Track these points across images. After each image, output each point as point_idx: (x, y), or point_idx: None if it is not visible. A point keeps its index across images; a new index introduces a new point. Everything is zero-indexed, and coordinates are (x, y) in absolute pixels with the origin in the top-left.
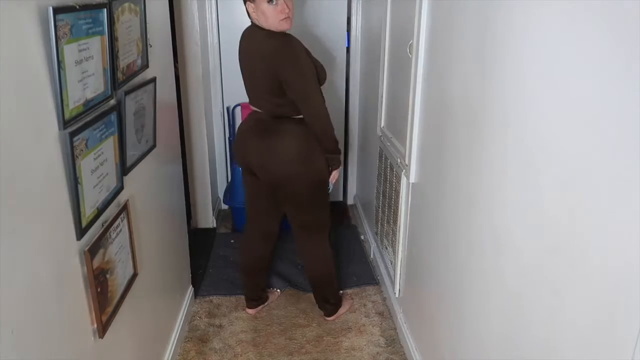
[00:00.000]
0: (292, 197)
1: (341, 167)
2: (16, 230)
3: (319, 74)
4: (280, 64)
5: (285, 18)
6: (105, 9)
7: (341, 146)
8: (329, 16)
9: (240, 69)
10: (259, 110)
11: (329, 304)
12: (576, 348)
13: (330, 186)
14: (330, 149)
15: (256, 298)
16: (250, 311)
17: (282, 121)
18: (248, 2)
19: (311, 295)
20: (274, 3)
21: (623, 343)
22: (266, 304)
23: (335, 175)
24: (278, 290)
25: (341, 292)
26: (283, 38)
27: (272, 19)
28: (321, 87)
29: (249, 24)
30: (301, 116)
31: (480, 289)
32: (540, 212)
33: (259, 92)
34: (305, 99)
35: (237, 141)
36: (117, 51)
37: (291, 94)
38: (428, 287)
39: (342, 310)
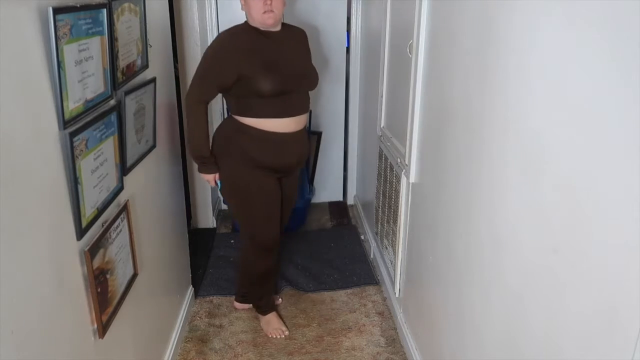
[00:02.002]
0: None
1: (214, 176)
2: (16, 230)
3: (255, 84)
4: None
5: (268, 12)
6: (105, 9)
7: (341, 146)
8: (328, 16)
9: None
10: None
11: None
12: (577, 348)
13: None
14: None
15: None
16: (238, 305)
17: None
18: None
19: (311, 295)
20: None
21: (623, 343)
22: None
23: (208, 179)
24: (280, 299)
25: (277, 301)
26: (223, 33)
27: (255, 12)
28: (275, 96)
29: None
30: (234, 115)
31: (481, 288)
32: (540, 211)
33: None
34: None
35: None
36: (117, 51)
37: None
38: (428, 287)
39: (246, 306)
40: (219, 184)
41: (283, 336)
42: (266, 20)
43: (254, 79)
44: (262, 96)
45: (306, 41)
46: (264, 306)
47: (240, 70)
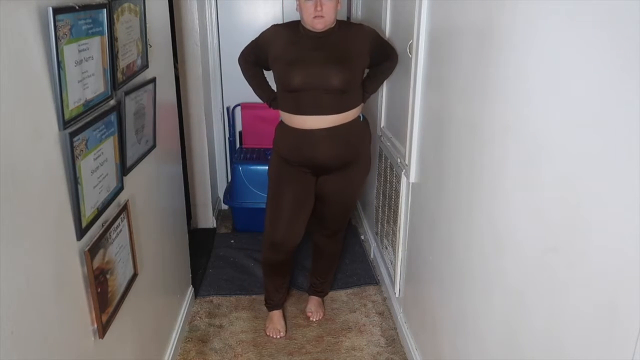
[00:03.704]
0: None
1: None
2: (16, 231)
3: (275, 76)
4: None
5: (318, 17)
6: (105, 9)
7: None
8: None
9: None
10: None
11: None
12: (577, 347)
13: None
14: None
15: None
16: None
17: None
18: None
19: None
20: None
21: (623, 342)
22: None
23: None
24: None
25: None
26: (275, 24)
27: (306, 16)
28: (289, 92)
29: (248, 24)
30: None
31: (481, 288)
32: (540, 211)
33: None
34: None
35: None
36: (117, 51)
37: None
38: (428, 287)
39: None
40: None
41: (278, 337)
42: (316, 25)
43: (275, 71)
44: (282, 90)
45: (361, 40)
46: (267, 300)
47: (269, 56)
